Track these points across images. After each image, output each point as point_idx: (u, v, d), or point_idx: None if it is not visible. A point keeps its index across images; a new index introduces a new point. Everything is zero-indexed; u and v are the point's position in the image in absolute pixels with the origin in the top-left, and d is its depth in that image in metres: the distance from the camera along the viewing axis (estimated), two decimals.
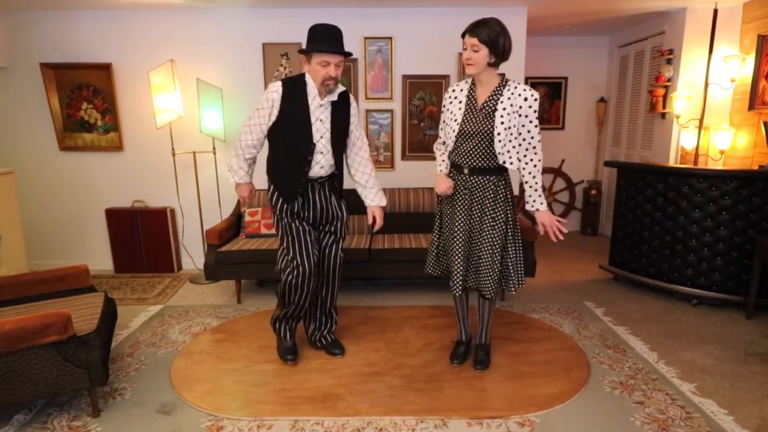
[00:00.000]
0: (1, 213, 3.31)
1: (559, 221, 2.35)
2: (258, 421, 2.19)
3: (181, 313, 3.42)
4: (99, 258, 4.42)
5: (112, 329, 2.54)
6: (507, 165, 2.36)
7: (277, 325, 2.71)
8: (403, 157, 4.34)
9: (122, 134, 4.23)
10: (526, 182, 2.40)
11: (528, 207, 2.42)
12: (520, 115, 2.30)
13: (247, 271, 3.50)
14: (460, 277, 2.47)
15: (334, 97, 2.48)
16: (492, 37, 2.23)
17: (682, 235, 3.47)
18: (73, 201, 4.37)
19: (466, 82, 2.45)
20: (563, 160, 5.71)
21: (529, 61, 4.70)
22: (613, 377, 2.54)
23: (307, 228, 2.53)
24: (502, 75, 2.36)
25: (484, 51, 2.24)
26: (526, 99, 2.28)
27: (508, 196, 2.44)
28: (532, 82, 5.51)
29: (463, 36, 2.31)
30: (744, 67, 3.88)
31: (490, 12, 4.09)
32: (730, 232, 3.31)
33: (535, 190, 2.39)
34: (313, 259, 2.50)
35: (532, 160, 2.36)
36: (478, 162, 2.38)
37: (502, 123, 2.29)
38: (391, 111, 4.24)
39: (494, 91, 2.33)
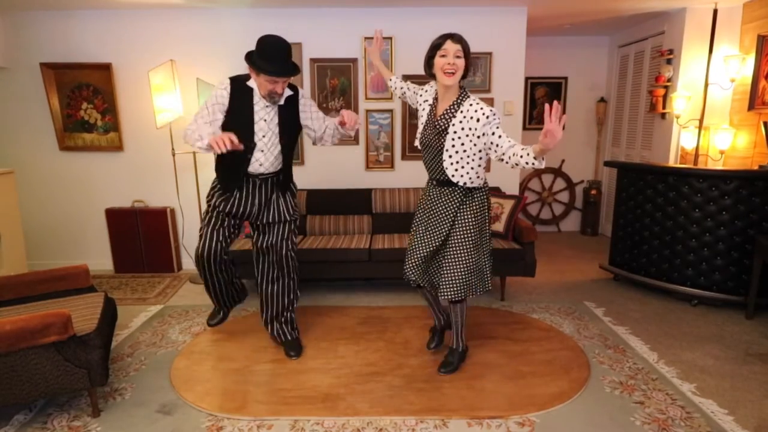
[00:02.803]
0: (1, 213, 3.31)
1: (552, 118, 1.89)
2: (258, 421, 2.19)
3: (181, 313, 3.42)
4: (99, 258, 4.42)
5: (112, 329, 2.54)
6: (461, 184, 2.35)
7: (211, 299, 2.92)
8: (403, 157, 4.34)
9: (122, 134, 4.23)
10: (516, 163, 2.16)
11: (536, 163, 2.09)
12: (479, 137, 2.26)
13: (247, 271, 3.49)
14: (417, 271, 2.52)
15: (281, 101, 2.55)
16: (468, 49, 2.29)
17: (682, 235, 3.47)
18: (73, 201, 4.37)
19: (432, 87, 2.48)
20: (563, 160, 5.71)
21: (529, 61, 4.70)
22: (613, 377, 2.54)
23: (226, 220, 2.65)
24: (462, 88, 2.37)
25: (463, 60, 2.28)
26: (478, 120, 2.24)
27: (480, 208, 2.41)
28: (532, 82, 5.51)
29: (440, 45, 2.28)
30: (744, 67, 3.88)
31: (490, 12, 4.11)
32: (730, 232, 3.31)
33: (521, 156, 2.12)
34: (214, 247, 2.62)
35: (510, 152, 2.20)
36: (439, 175, 2.41)
37: (453, 145, 2.30)
38: (391, 111, 4.24)
39: (450, 106, 2.34)
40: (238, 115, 2.52)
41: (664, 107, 4.38)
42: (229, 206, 2.64)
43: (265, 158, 2.59)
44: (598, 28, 4.99)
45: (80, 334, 2.16)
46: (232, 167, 2.59)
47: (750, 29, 3.86)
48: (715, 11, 3.94)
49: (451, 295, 2.42)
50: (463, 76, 2.33)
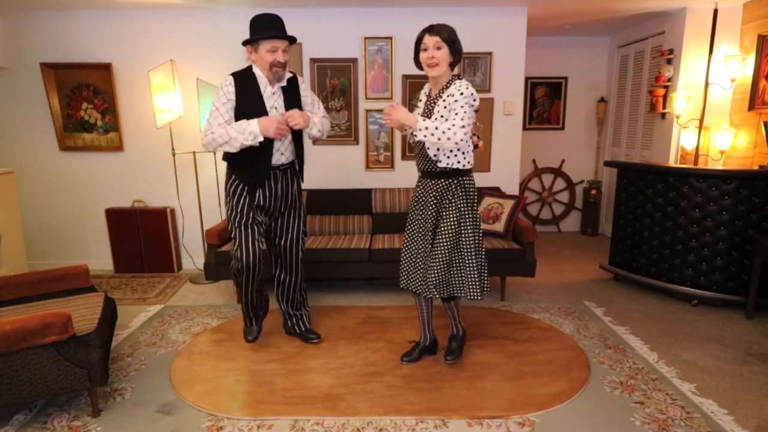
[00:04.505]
0: (1, 213, 3.31)
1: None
2: (258, 421, 2.19)
3: (181, 313, 3.42)
4: (99, 258, 4.42)
5: (112, 329, 2.54)
6: (450, 166, 2.34)
7: (244, 314, 2.80)
8: (403, 157, 4.34)
9: (122, 134, 4.23)
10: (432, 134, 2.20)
11: (415, 134, 2.24)
12: (450, 111, 2.27)
13: None
14: (404, 275, 2.55)
15: (284, 82, 2.57)
16: (450, 36, 2.31)
17: (682, 235, 3.47)
18: (73, 201, 4.37)
19: (428, 85, 2.50)
20: (563, 160, 5.71)
21: (529, 61, 4.69)
22: (613, 377, 2.54)
23: (257, 220, 2.61)
24: (455, 75, 2.38)
25: (445, 49, 2.29)
26: (452, 94, 2.26)
27: (464, 200, 2.39)
28: (532, 82, 5.51)
29: (420, 39, 2.34)
30: (744, 67, 3.88)
31: (490, 12, 4.11)
32: (730, 232, 3.31)
33: (427, 128, 2.20)
34: (257, 252, 2.56)
35: (440, 128, 2.21)
36: (425, 165, 2.42)
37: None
38: None
39: (438, 93, 2.37)
40: (249, 106, 2.49)
41: (664, 107, 4.37)
42: (256, 204, 2.60)
43: (284, 147, 2.60)
44: (598, 28, 4.99)
45: (80, 334, 2.16)
46: (255, 162, 2.54)
47: (750, 29, 3.86)
48: (716, 11, 3.94)
49: (436, 293, 2.41)
50: (455, 63, 2.35)
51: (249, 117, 2.48)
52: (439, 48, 2.28)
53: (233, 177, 2.62)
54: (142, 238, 4.29)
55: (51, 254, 4.41)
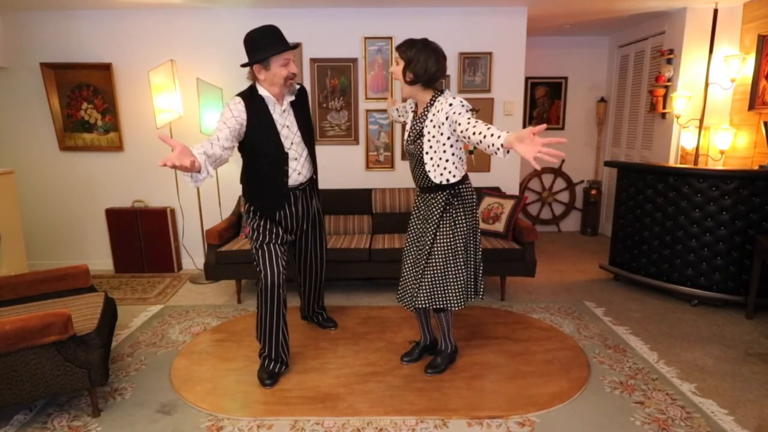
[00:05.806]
0: (1, 213, 3.31)
1: (545, 142, 1.74)
2: (258, 421, 2.19)
3: (181, 313, 3.42)
4: (99, 258, 4.42)
5: (112, 329, 2.54)
6: (444, 182, 2.30)
7: (267, 352, 2.53)
8: (403, 157, 4.34)
9: (122, 134, 4.23)
10: (479, 142, 1.98)
11: (498, 153, 1.91)
12: (443, 124, 2.21)
13: (247, 271, 3.50)
14: (400, 289, 2.54)
15: (292, 96, 2.46)
16: (409, 55, 2.23)
17: (682, 235, 3.47)
18: (73, 201, 4.37)
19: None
20: (563, 160, 5.71)
21: (529, 61, 4.70)
22: (613, 377, 2.54)
23: (279, 239, 2.51)
24: (440, 91, 2.31)
25: (401, 66, 2.25)
26: (442, 110, 2.20)
27: (461, 211, 2.35)
28: (532, 82, 5.51)
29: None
30: (744, 67, 3.88)
31: (490, 12, 4.11)
32: (730, 232, 3.31)
33: (485, 136, 1.94)
34: (280, 271, 2.46)
35: (472, 130, 2.03)
36: (421, 182, 2.40)
37: (431, 146, 2.28)
38: None
39: (423, 111, 2.33)
40: (261, 129, 2.38)
41: (664, 107, 4.37)
42: (277, 228, 2.52)
43: (301, 166, 2.52)
44: (598, 28, 4.99)
45: (80, 334, 2.16)
46: (272, 187, 2.46)
47: (750, 29, 3.86)
48: (716, 11, 3.94)
49: (428, 303, 2.39)
50: (423, 84, 2.27)
51: (262, 139, 2.39)
52: (398, 63, 2.26)
53: (249, 205, 2.53)
54: (142, 238, 4.29)
55: (51, 254, 4.41)
